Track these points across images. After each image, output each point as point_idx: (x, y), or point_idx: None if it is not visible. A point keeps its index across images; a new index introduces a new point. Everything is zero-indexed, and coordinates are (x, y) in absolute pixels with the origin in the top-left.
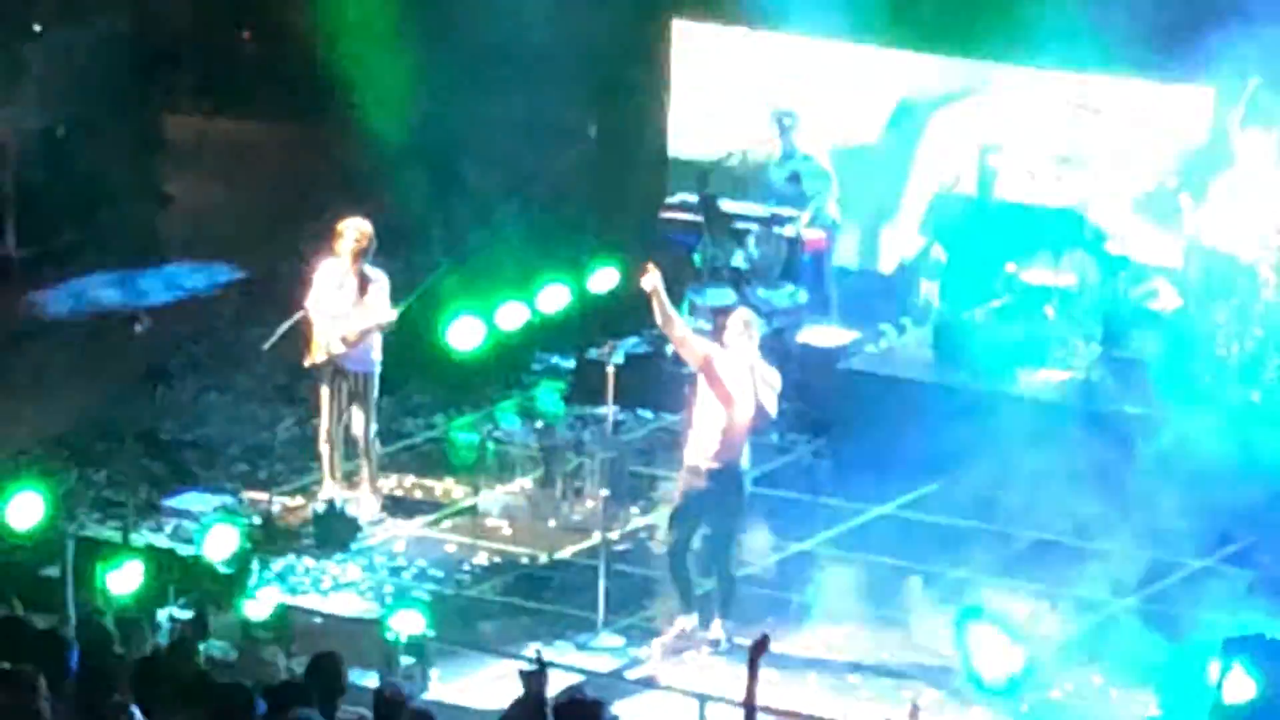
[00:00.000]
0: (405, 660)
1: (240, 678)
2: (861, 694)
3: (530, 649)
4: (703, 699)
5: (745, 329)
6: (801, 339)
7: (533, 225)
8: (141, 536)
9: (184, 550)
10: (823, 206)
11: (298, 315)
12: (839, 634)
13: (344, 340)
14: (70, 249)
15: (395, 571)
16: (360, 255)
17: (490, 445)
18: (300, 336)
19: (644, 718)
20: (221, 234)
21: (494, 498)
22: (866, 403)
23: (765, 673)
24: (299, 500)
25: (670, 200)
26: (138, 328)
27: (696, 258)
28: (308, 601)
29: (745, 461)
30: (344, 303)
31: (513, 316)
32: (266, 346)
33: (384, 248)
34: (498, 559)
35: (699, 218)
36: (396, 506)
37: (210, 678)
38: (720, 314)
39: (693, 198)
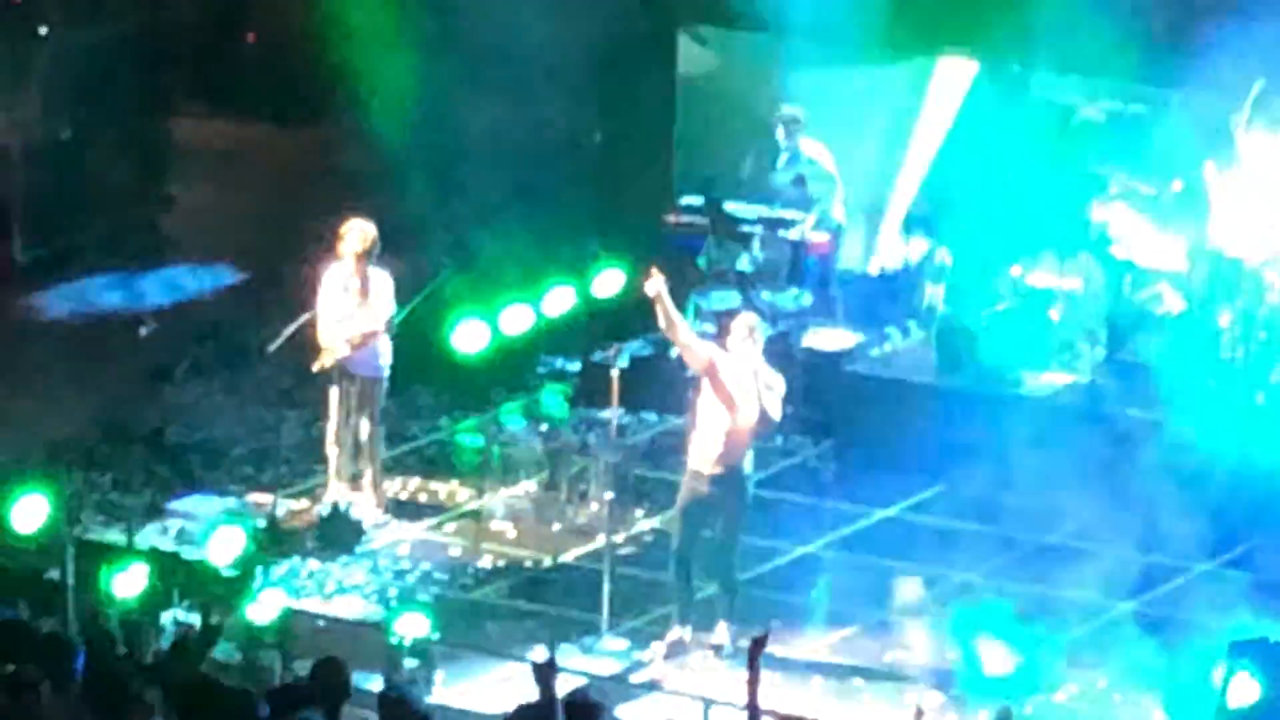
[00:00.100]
0: (409, 663)
1: (241, 681)
2: (865, 697)
3: (536, 651)
4: (707, 702)
5: (749, 333)
6: (806, 342)
7: (537, 228)
8: (146, 539)
9: (188, 553)
10: (828, 209)
11: (303, 318)
12: (842, 637)
13: (349, 343)
14: (75, 251)
15: (399, 574)
16: (364, 257)
17: (495, 448)
18: (307, 340)
19: None
20: (225, 236)
21: (498, 501)
22: (871, 405)
23: (768, 675)
24: (304, 503)
25: (675, 203)
26: (143, 330)
27: (701, 261)
28: (311, 604)
29: (748, 465)
30: (348, 305)
31: (517, 319)
32: (271, 349)
33: (388, 250)
34: (502, 562)
35: (704, 221)
36: (401, 509)
37: (213, 680)
38: (725, 317)
39: (698, 201)
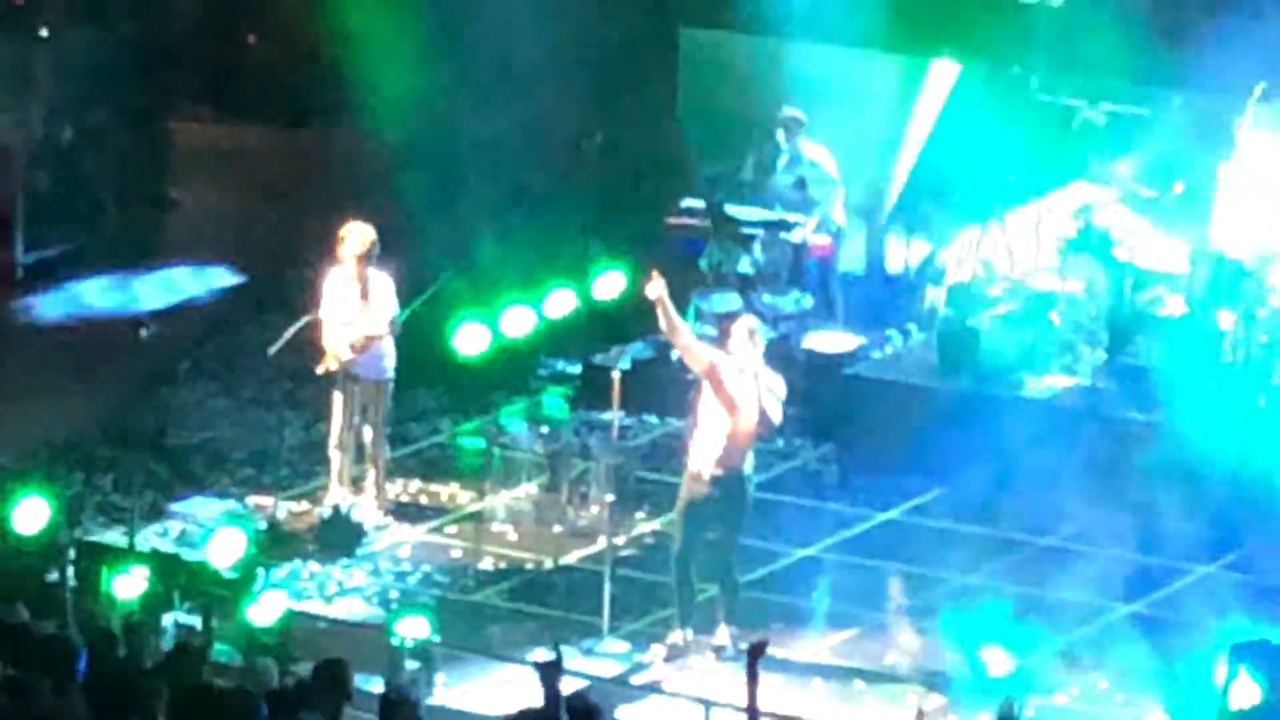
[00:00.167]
0: (410, 665)
1: (243, 683)
2: (866, 700)
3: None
4: (707, 704)
5: (750, 336)
6: (807, 344)
7: (538, 230)
8: (147, 541)
9: (189, 555)
10: (828, 212)
11: (304, 320)
12: (843, 639)
13: (352, 346)
14: (76, 253)
15: (400, 576)
16: (363, 260)
17: (496, 450)
18: (310, 344)
19: None
20: (226, 238)
21: (499, 503)
22: (872, 408)
23: (770, 678)
24: (304, 505)
25: (676, 206)
26: (144, 332)
27: (703, 263)
28: (312, 607)
29: (749, 467)
30: (350, 308)
31: (519, 322)
32: (272, 351)
33: (389, 253)
34: (503, 564)
35: (705, 223)
36: (402, 512)
37: (213, 682)
38: (726, 320)
39: (699, 203)
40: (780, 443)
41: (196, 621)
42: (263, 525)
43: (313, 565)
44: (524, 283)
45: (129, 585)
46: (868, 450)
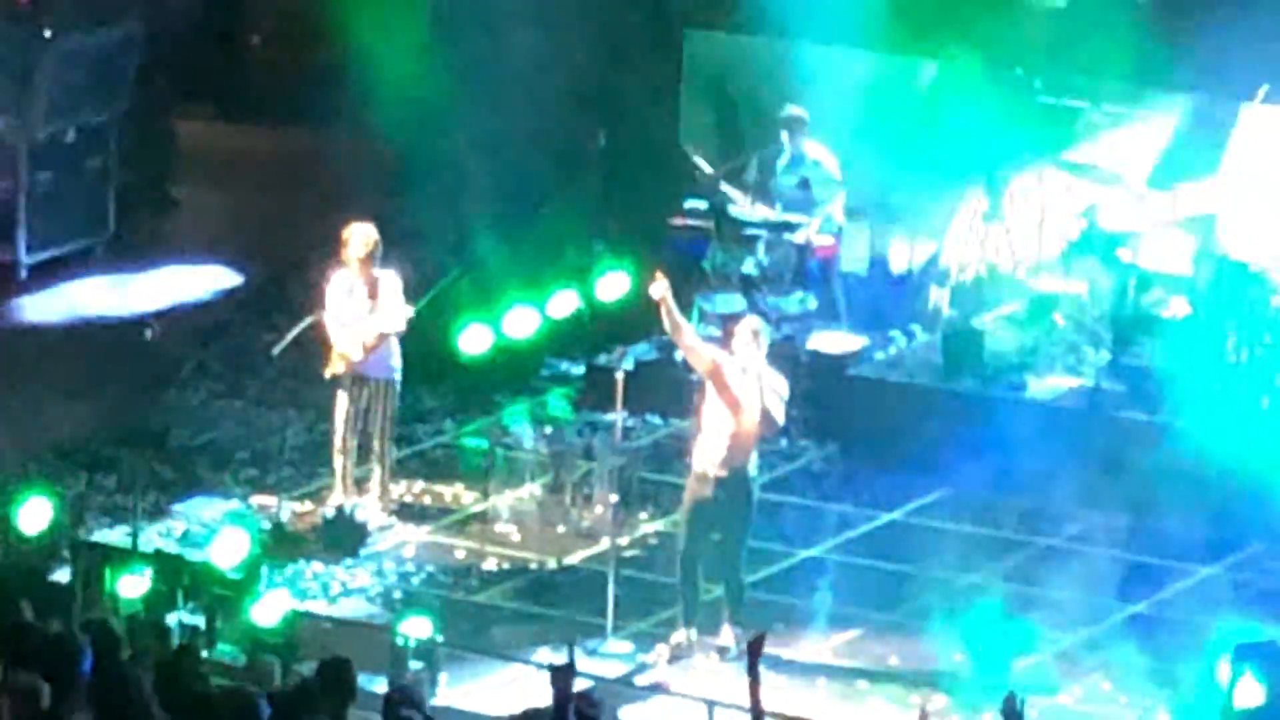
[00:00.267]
0: (414, 665)
1: (246, 683)
2: (870, 700)
3: (552, 654)
4: (711, 704)
5: (753, 337)
6: (811, 345)
7: (542, 231)
8: (150, 541)
9: (193, 555)
10: (831, 212)
11: (308, 320)
12: (847, 640)
13: (364, 346)
14: (79, 254)
15: (404, 577)
16: (367, 261)
17: (499, 451)
18: (315, 346)
19: None
20: (230, 239)
21: (503, 503)
22: (875, 409)
23: (773, 679)
24: (308, 505)
25: (680, 207)
26: (148, 333)
27: (706, 264)
28: (316, 607)
29: (753, 468)
30: (357, 309)
31: (522, 322)
32: (276, 352)
33: (393, 254)
34: (507, 564)
35: (709, 224)
36: (406, 512)
37: (213, 683)
38: (730, 321)
39: (703, 204)
40: (784, 443)
41: (200, 622)
42: (267, 525)
43: (316, 565)
44: (527, 283)
45: (133, 585)
46: (871, 451)
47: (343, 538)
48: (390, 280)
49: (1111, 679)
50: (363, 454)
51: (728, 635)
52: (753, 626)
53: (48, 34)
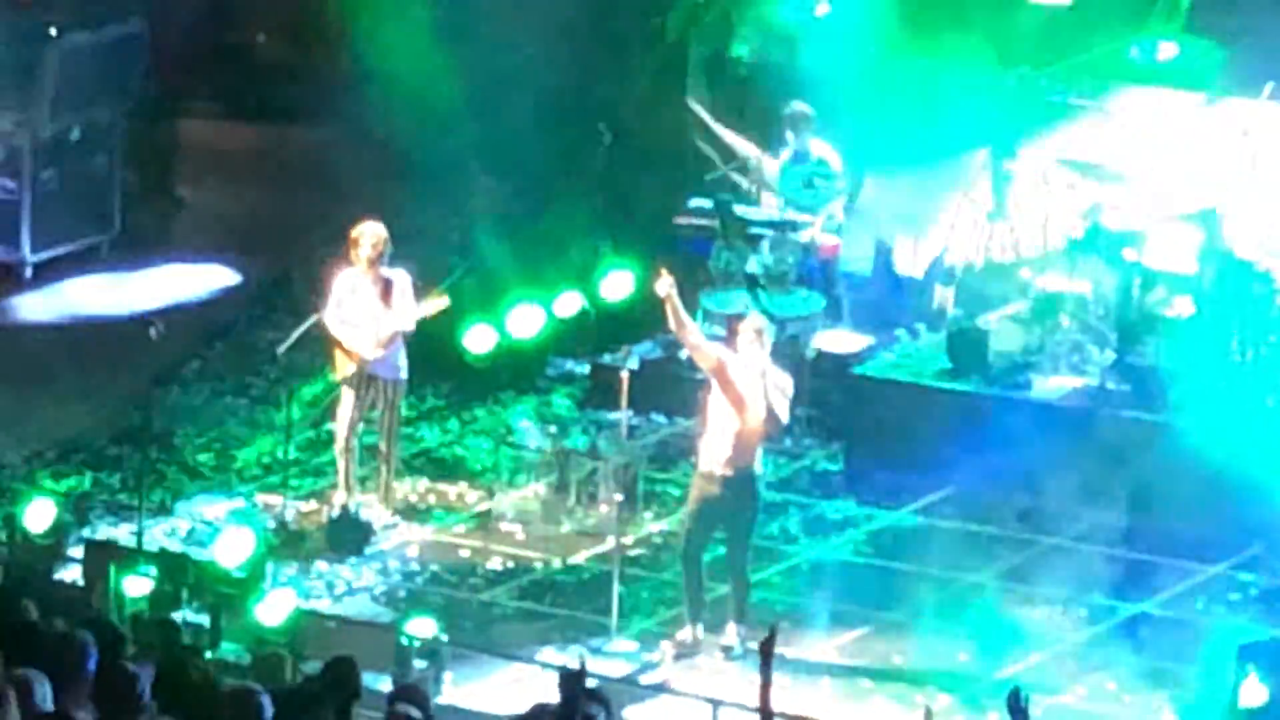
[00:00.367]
0: (419, 664)
1: (254, 679)
2: (874, 699)
3: (542, 651)
4: (715, 704)
5: (757, 335)
6: (816, 345)
7: (546, 230)
8: (155, 540)
9: (198, 554)
10: (835, 212)
11: (313, 319)
12: (852, 639)
13: (379, 345)
14: (84, 253)
15: (408, 576)
16: (377, 260)
17: (504, 450)
18: (319, 347)
19: None
20: (235, 237)
21: (507, 502)
22: (880, 408)
23: (778, 677)
24: (313, 504)
25: (685, 205)
26: (152, 332)
27: (711, 263)
28: (321, 606)
29: (759, 466)
30: (367, 309)
31: (527, 321)
32: (281, 350)
33: (397, 253)
34: (511, 564)
35: (714, 223)
36: (410, 511)
37: (217, 681)
38: (734, 319)
39: (707, 203)
40: (789, 442)
41: (204, 620)
42: (271, 524)
43: (321, 564)
44: (532, 282)
45: (137, 584)
46: (876, 450)
47: (347, 537)
48: (402, 279)
49: (1116, 678)
50: (368, 453)
51: (732, 634)
52: (758, 625)
53: (52, 32)
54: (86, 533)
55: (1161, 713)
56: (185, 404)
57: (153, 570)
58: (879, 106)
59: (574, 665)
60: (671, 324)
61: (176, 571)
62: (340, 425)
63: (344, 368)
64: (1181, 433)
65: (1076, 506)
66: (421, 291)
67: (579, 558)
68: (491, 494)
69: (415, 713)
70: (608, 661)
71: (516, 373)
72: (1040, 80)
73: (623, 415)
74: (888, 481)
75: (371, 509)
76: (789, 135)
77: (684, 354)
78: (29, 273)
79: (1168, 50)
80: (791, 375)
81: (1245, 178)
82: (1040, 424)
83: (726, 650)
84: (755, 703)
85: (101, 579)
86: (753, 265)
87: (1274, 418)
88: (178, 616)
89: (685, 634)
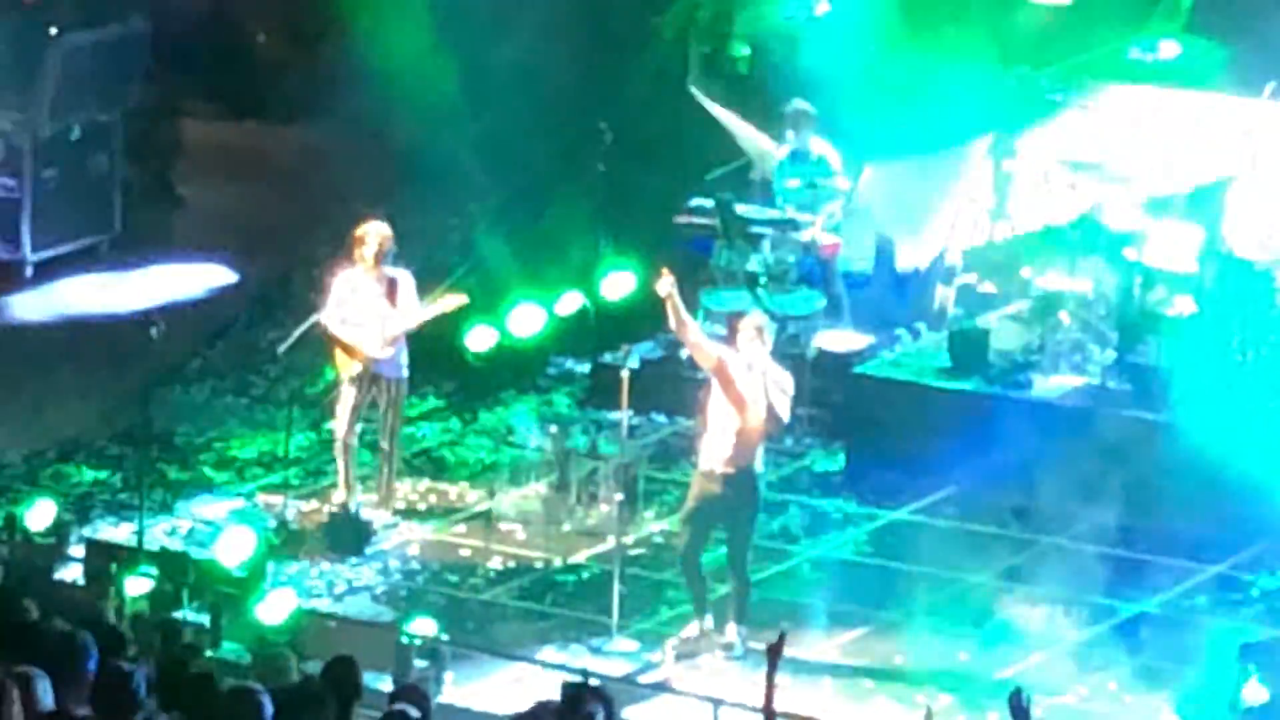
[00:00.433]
0: (419, 664)
1: (256, 678)
2: (875, 699)
3: (543, 651)
4: (716, 703)
5: (757, 333)
6: (817, 344)
7: (547, 229)
8: (156, 540)
9: (198, 554)
10: (834, 211)
11: (313, 319)
12: (852, 638)
13: (386, 343)
14: (85, 252)
15: (409, 575)
16: (381, 259)
17: (505, 450)
18: (320, 346)
19: None
20: (235, 236)
21: (508, 502)
22: (881, 407)
23: (779, 677)
24: (313, 504)
25: (686, 204)
26: (153, 331)
27: (712, 262)
28: (321, 605)
29: (759, 466)
30: (372, 308)
31: (527, 321)
32: (282, 350)
33: (398, 253)
34: (512, 563)
35: (714, 222)
36: (411, 510)
37: (216, 680)
38: (735, 318)
39: (708, 202)
40: (789, 442)
41: (205, 620)
42: (272, 524)
43: (322, 564)
44: (533, 281)
45: (138, 584)
46: (876, 449)
47: (348, 536)
48: (405, 278)
49: (1116, 678)
50: (369, 452)
51: (732, 633)
52: (759, 625)
53: (53, 31)
54: (87, 532)
55: (1162, 713)
56: (186, 403)
57: (153, 570)
58: (879, 105)
59: (576, 678)
60: (672, 323)
61: (177, 571)
62: (339, 423)
63: (348, 367)
64: (1182, 432)
65: (1077, 506)
66: (423, 290)
67: (579, 557)
68: (492, 493)
69: (414, 712)
70: (608, 661)
71: (517, 372)
72: (1040, 79)
73: (623, 415)
74: (888, 481)
75: (372, 508)
76: (789, 134)
77: (685, 353)
78: (29, 271)
79: (1169, 49)
80: (792, 374)
81: (1246, 177)
82: (1041, 423)
83: (727, 649)
84: (757, 703)
85: (102, 578)
86: (754, 264)
87: (1275, 417)
88: (178, 616)
89: (693, 628)
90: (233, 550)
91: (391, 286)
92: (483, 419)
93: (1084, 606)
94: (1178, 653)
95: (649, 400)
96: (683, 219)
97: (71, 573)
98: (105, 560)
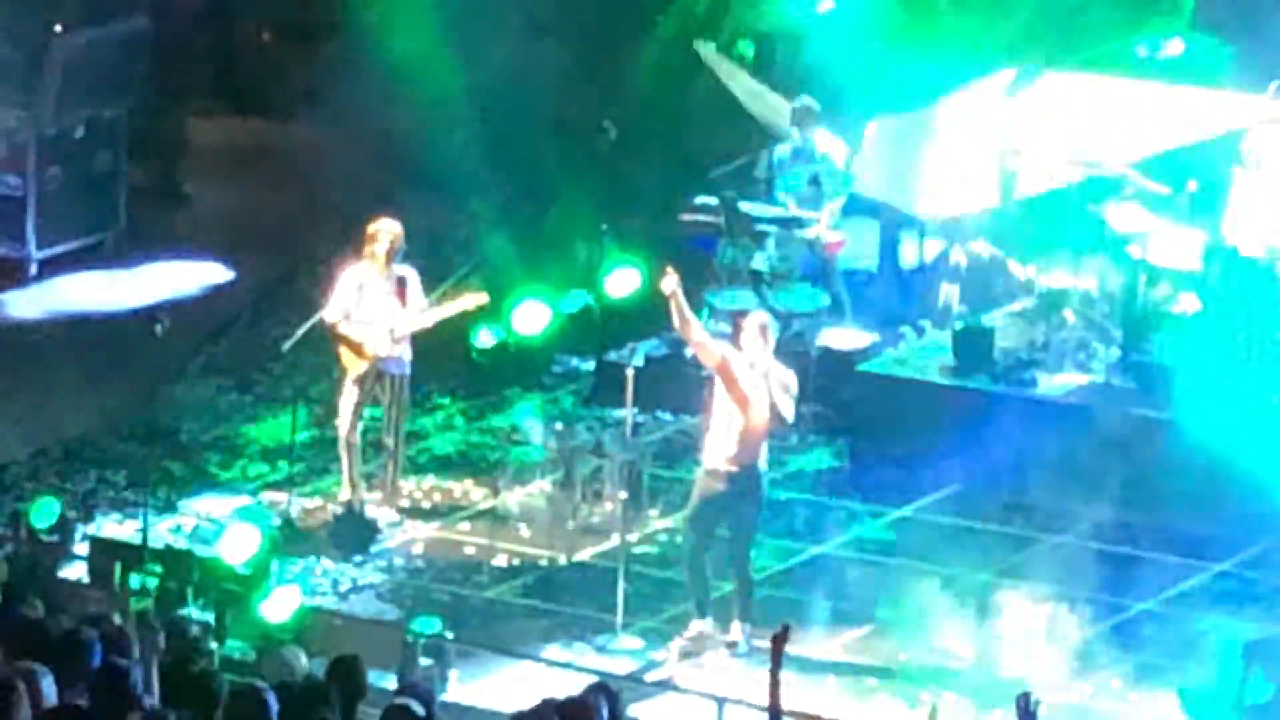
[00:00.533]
0: (424, 661)
1: (258, 678)
2: (879, 697)
3: (547, 649)
4: (721, 701)
5: (761, 332)
6: (821, 342)
7: (551, 227)
8: (160, 538)
9: (203, 552)
10: (837, 209)
11: (318, 316)
12: (857, 636)
13: (395, 341)
14: (88, 249)
15: (414, 573)
16: (392, 256)
17: (509, 447)
18: (325, 343)
19: None
20: (240, 234)
21: (513, 500)
22: (885, 405)
23: (783, 675)
24: (318, 502)
25: (690, 202)
26: (158, 328)
27: (716, 260)
28: (326, 603)
29: (763, 463)
30: (381, 305)
31: (532, 319)
32: (287, 347)
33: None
34: (516, 561)
35: (718, 220)
36: (415, 508)
37: (220, 678)
38: (739, 317)
39: (712, 200)
40: (793, 439)
41: (210, 618)
42: (276, 521)
43: (326, 562)
44: (538, 279)
45: (143, 581)
46: (881, 447)
47: (352, 534)
48: (414, 276)
49: (1121, 676)
50: (374, 449)
51: (736, 631)
52: (762, 623)
53: (57, 29)
54: (92, 530)
55: (1167, 710)
56: (190, 400)
57: (158, 567)
58: (880, 102)
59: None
60: (676, 321)
61: (182, 569)
62: (342, 421)
63: (353, 364)
64: (1187, 429)
65: (1080, 503)
66: (427, 288)
67: (584, 555)
68: (497, 491)
69: (417, 707)
70: (613, 659)
71: (522, 370)
72: (1044, 76)
73: (628, 412)
74: (892, 478)
75: (377, 506)
76: (794, 130)
77: (689, 351)
78: (34, 269)
79: (1173, 47)
80: (796, 372)
81: (1249, 175)
82: (1045, 421)
83: (731, 647)
84: (762, 700)
85: (107, 576)
86: (758, 262)
87: (1279, 415)
88: (183, 614)
89: (697, 627)
90: (237, 548)
91: (400, 284)
92: (487, 417)
93: (1087, 604)
94: (1181, 650)
95: (653, 398)
96: (687, 217)
97: (76, 571)
98: (110, 558)
